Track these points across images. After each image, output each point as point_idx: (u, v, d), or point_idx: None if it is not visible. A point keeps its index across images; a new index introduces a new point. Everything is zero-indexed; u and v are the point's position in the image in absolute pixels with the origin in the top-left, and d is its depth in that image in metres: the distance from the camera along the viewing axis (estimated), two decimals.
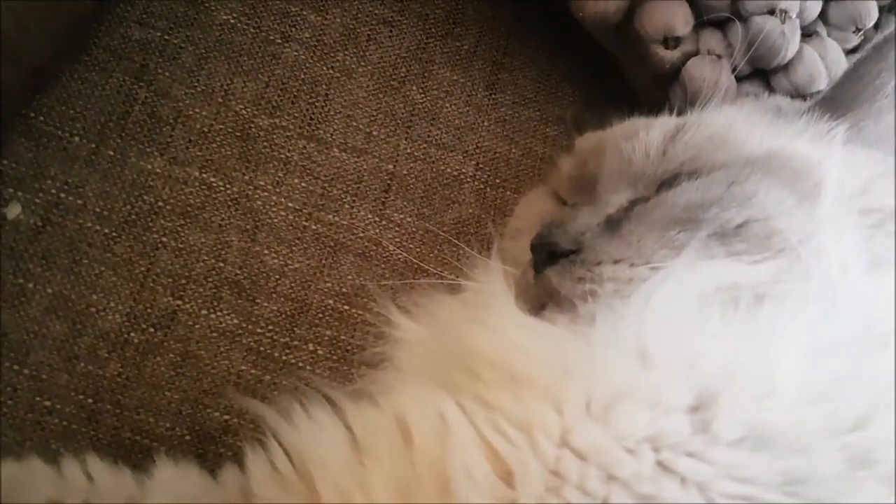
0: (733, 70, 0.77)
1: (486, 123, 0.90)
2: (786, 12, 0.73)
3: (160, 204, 0.76)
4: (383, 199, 0.83)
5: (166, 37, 0.81)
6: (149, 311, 0.73)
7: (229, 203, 0.78)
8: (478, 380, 0.55)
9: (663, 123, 0.68)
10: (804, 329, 0.50)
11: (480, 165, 0.88)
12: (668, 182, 0.64)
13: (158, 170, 0.77)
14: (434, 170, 0.86)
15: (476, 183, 0.88)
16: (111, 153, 0.76)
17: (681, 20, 0.75)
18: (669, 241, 0.58)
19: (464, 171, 0.88)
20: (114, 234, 0.74)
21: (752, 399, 0.47)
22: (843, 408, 0.46)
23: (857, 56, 0.69)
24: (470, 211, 0.86)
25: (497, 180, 0.88)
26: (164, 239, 0.75)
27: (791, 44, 0.74)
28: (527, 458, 0.48)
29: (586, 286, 0.59)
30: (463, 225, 0.85)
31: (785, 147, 0.63)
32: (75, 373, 0.69)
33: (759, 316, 0.51)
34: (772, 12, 0.73)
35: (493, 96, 0.92)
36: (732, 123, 0.66)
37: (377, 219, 0.83)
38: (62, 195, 0.73)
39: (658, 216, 0.61)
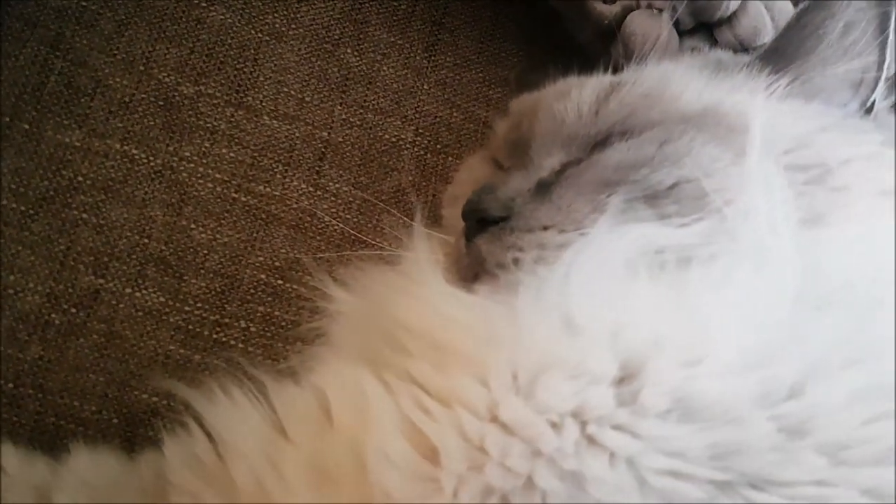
0: (675, 24, 0.74)
1: (425, 87, 0.87)
2: None
3: (79, 179, 0.73)
4: (317, 168, 0.81)
5: (83, 3, 0.78)
6: (70, 290, 0.71)
7: (153, 176, 0.76)
8: (403, 352, 0.54)
9: (598, 82, 0.66)
10: (732, 293, 0.49)
11: (420, 131, 0.86)
12: (601, 143, 0.62)
13: (77, 143, 0.74)
14: (371, 136, 0.84)
15: (416, 149, 0.85)
16: (26, 126, 0.73)
17: None
18: (600, 205, 0.57)
19: (402, 137, 0.85)
20: (31, 211, 0.72)
21: (680, 367, 0.46)
22: (776, 375, 0.45)
23: (801, 5, 0.66)
24: (410, 178, 0.84)
25: (438, 146, 0.86)
26: (84, 215, 0.73)
27: None
28: (450, 434, 0.47)
29: (515, 254, 0.57)
30: (402, 193, 0.83)
31: (722, 102, 0.61)
32: None
33: (687, 280, 0.50)
34: None
35: (432, 58, 0.89)
36: (669, 80, 0.64)
37: (311, 189, 0.80)
38: None
39: (589, 178, 0.59)
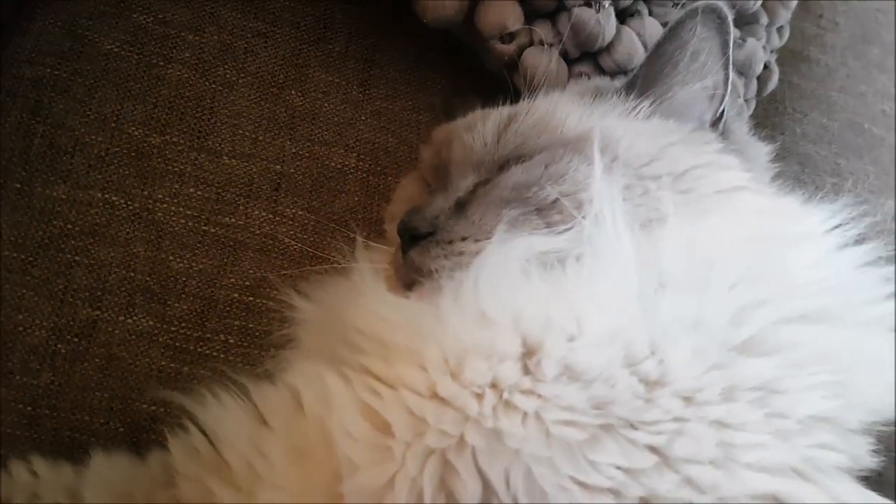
0: (564, 56, 0.88)
1: (363, 117, 1.00)
2: (599, 2, 0.83)
3: (69, 227, 0.84)
4: (275, 198, 0.93)
5: (56, 72, 0.88)
6: (71, 323, 0.81)
7: (132, 218, 0.86)
8: (357, 350, 0.66)
9: (498, 114, 0.79)
10: (595, 284, 0.61)
11: (361, 157, 0.98)
12: (503, 166, 0.76)
13: (63, 196, 0.85)
14: (319, 165, 0.96)
15: (359, 173, 0.98)
16: (18, 185, 0.83)
17: (511, 18, 0.85)
18: (502, 218, 0.70)
19: (346, 163, 0.97)
20: (30, 258, 0.82)
21: (564, 342, 0.57)
22: (633, 342, 0.57)
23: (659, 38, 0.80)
24: (356, 199, 0.96)
25: (378, 168, 0.98)
26: (76, 258, 0.83)
27: (607, 29, 0.85)
28: (398, 410, 0.59)
29: (441, 262, 0.70)
30: (351, 212, 0.96)
31: (594, 127, 0.74)
32: (12, 385, 0.78)
33: (563, 275, 0.62)
34: (588, 3, 0.83)
35: (367, 92, 1.01)
36: (555, 110, 0.78)
37: (271, 216, 0.92)
38: None
39: (493, 197, 0.72)
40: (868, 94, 1.32)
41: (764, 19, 1.04)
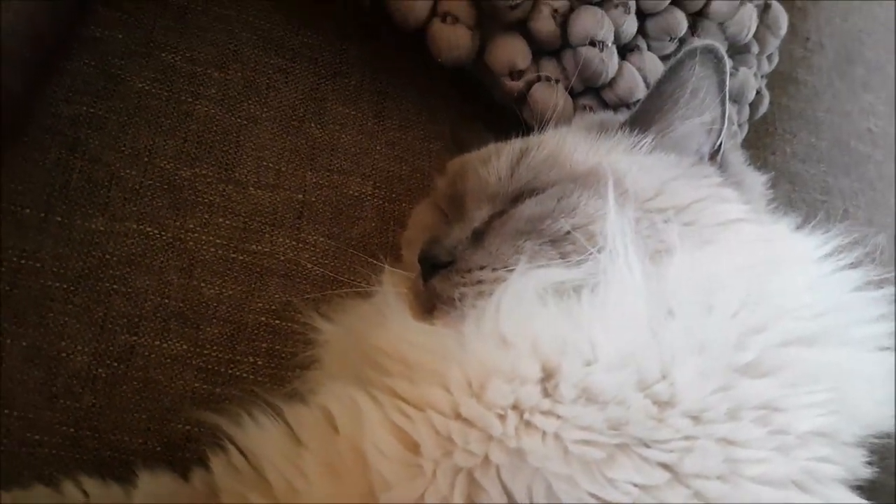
0: (569, 90, 0.93)
1: (378, 147, 1.05)
2: (603, 42, 0.89)
3: (107, 257, 0.89)
4: (297, 225, 0.98)
5: (91, 109, 0.93)
6: (110, 348, 0.86)
7: (166, 248, 0.91)
8: (382, 371, 0.70)
9: (510, 149, 0.84)
10: (608, 312, 0.65)
11: (377, 184, 1.04)
12: (516, 198, 0.81)
13: (102, 228, 0.89)
14: (338, 193, 1.01)
15: (375, 200, 1.03)
16: (58, 219, 0.88)
17: (520, 56, 0.91)
18: (518, 248, 0.75)
19: (364, 191, 1.03)
20: (71, 288, 0.86)
21: (581, 366, 0.62)
22: (645, 366, 0.61)
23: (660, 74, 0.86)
24: (373, 224, 1.02)
25: (393, 195, 1.04)
26: (114, 286, 0.88)
27: (610, 66, 0.91)
28: (426, 431, 0.63)
29: (461, 290, 0.75)
30: (369, 237, 1.01)
31: (601, 162, 0.80)
32: (56, 408, 0.82)
33: (579, 303, 0.67)
34: (592, 43, 0.89)
35: (381, 123, 1.06)
36: (563, 145, 0.83)
37: (294, 243, 0.97)
38: (22, 261, 0.85)
39: (509, 228, 0.77)
40: (853, 113, 1.38)
41: (755, 48, 1.10)
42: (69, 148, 0.91)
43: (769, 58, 1.16)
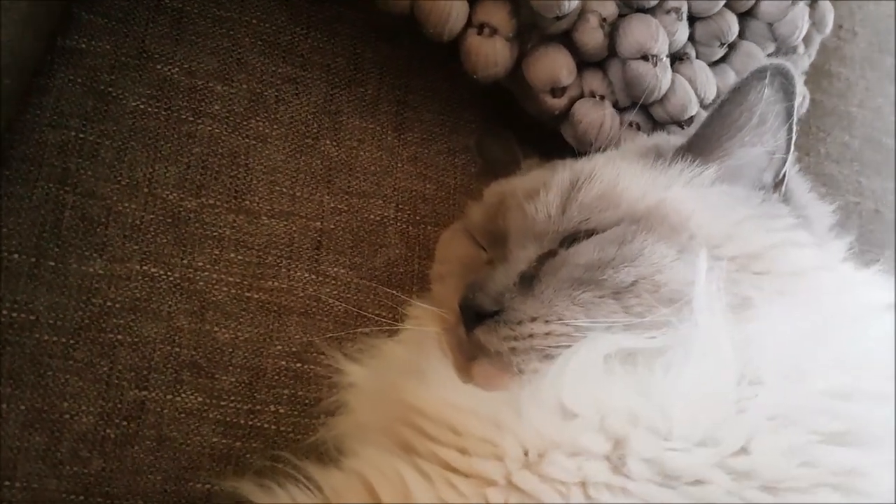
0: (614, 103, 0.85)
1: (399, 164, 0.96)
2: (656, 56, 0.81)
3: (108, 304, 0.80)
4: (316, 257, 0.90)
5: (81, 135, 0.83)
6: (119, 406, 0.79)
7: (173, 289, 0.83)
8: (425, 436, 0.65)
9: (559, 181, 0.76)
10: (686, 379, 0.61)
11: (400, 206, 0.95)
12: (569, 237, 0.74)
13: (100, 271, 0.81)
14: (358, 218, 0.93)
15: (398, 224, 0.95)
16: (52, 264, 0.79)
17: (565, 70, 0.82)
18: (574, 299, 0.69)
19: (385, 214, 0.94)
20: (71, 341, 0.78)
21: (655, 440, 0.58)
22: (726, 441, 0.57)
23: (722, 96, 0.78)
24: (397, 252, 0.94)
25: (417, 218, 0.96)
26: (119, 336, 0.80)
27: (663, 82, 0.82)
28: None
29: (511, 343, 0.69)
30: (393, 266, 0.93)
31: (663, 201, 0.73)
32: (62, 476, 0.75)
33: (653, 374, 0.62)
34: (644, 57, 0.81)
35: (401, 136, 0.97)
36: (619, 177, 0.76)
37: (313, 276, 0.89)
38: (14, 314, 0.77)
39: (563, 276, 0.70)
40: (884, 107, 1.32)
41: (801, 48, 1.02)
42: (59, 181, 0.82)
43: (809, 54, 1.08)
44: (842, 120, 1.26)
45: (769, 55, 0.98)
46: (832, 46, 1.29)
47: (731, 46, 0.94)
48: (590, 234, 0.73)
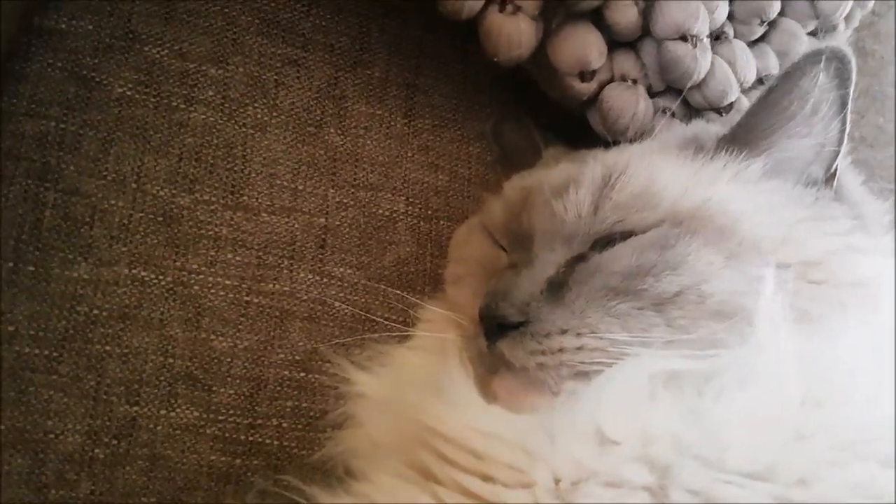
0: (648, 90, 0.78)
1: (409, 154, 0.90)
2: (696, 36, 0.73)
3: (95, 312, 0.74)
4: (320, 256, 0.84)
5: (62, 125, 0.76)
6: (108, 423, 0.73)
7: (166, 295, 0.77)
8: (445, 460, 0.60)
9: (591, 176, 0.69)
10: (741, 401, 0.55)
11: (410, 199, 0.89)
12: (601, 241, 0.67)
13: (86, 276, 0.74)
14: (366, 214, 0.87)
15: (409, 219, 0.88)
16: (32, 269, 0.73)
17: (595, 52, 0.75)
18: (609, 310, 0.62)
19: (395, 208, 0.88)
20: (55, 354, 0.72)
21: (704, 470, 0.53)
22: (784, 473, 0.52)
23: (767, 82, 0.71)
24: (407, 249, 0.88)
25: (429, 212, 0.89)
26: (107, 348, 0.74)
27: (703, 65, 0.75)
28: None
29: (538, 358, 0.63)
30: (403, 265, 0.87)
31: (708, 200, 0.66)
32: (48, 501, 0.70)
33: (702, 392, 0.56)
34: (683, 38, 0.73)
35: (411, 123, 0.90)
36: (657, 173, 0.69)
37: (318, 277, 0.83)
38: None
39: (598, 284, 0.64)
40: None
41: (842, 26, 0.94)
42: (38, 177, 0.75)
43: (848, 33, 1.01)
44: (875, 101, 1.19)
45: (808, 34, 0.90)
46: (866, 22, 1.20)
47: (771, 24, 0.86)
48: (626, 236, 0.66)
